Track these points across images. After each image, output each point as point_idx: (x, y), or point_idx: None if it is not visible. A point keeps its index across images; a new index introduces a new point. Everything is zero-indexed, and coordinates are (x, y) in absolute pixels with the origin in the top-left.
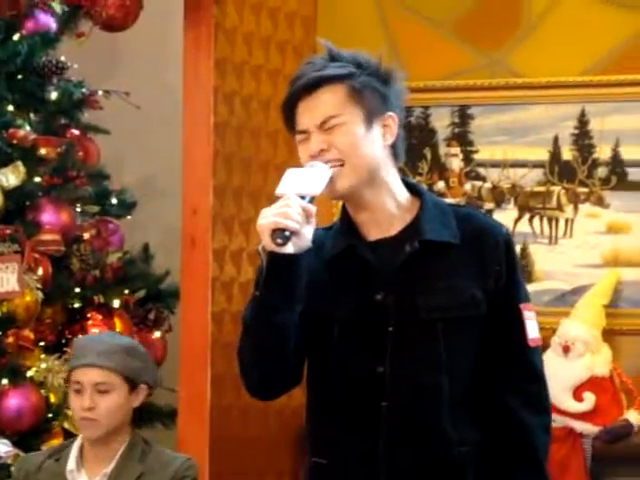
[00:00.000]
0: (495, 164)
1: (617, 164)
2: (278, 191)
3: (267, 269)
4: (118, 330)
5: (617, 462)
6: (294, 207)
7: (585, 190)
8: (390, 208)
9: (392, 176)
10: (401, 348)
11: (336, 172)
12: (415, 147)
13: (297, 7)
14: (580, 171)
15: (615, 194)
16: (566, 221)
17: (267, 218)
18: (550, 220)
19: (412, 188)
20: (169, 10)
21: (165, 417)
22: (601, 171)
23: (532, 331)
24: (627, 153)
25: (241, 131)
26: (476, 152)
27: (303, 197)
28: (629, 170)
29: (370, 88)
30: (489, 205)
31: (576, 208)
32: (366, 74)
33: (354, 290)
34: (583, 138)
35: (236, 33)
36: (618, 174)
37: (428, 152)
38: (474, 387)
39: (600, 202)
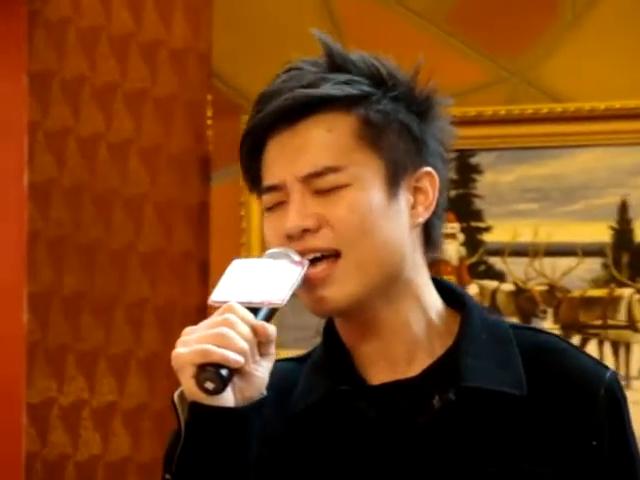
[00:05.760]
0: (520, 251)
1: None
2: (214, 297)
3: (188, 433)
4: None
5: None
6: (239, 327)
7: None
8: (416, 331)
9: (422, 277)
10: None
11: (325, 270)
12: None
13: None
14: None
15: None
16: None
17: (190, 345)
18: (616, 346)
19: (448, 294)
20: None
21: None
22: None
23: None
24: None
25: (80, 195)
26: (487, 231)
27: (256, 310)
28: None
29: (397, 123)
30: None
31: None
32: (391, 97)
33: (340, 468)
34: None
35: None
36: None
37: None
38: None
39: None
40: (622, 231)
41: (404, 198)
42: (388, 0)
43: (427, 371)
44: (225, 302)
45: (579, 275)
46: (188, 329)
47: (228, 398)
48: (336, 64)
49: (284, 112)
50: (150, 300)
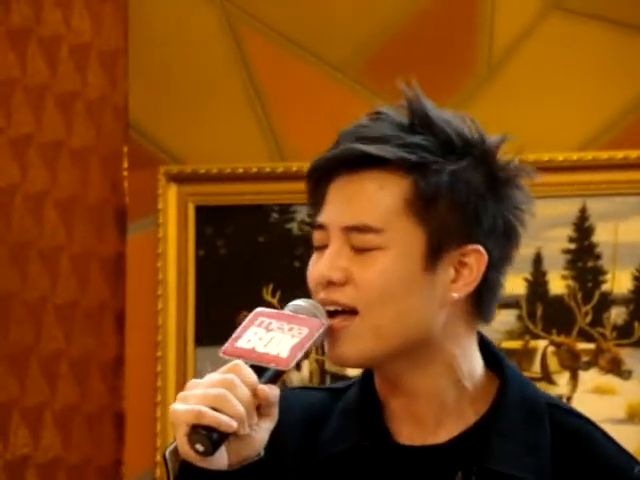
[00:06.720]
0: None
1: None
2: (225, 350)
3: None
4: None
5: None
6: (238, 390)
7: (590, 346)
8: (446, 398)
9: (461, 347)
10: None
11: (341, 322)
12: None
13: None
14: (581, 314)
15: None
16: None
17: (188, 402)
18: None
19: (490, 356)
20: None
21: None
22: (616, 314)
23: None
24: None
25: None
26: None
27: (262, 370)
28: None
29: (450, 198)
30: None
31: (575, 377)
32: (453, 170)
33: None
34: (585, 256)
35: None
36: None
37: None
38: None
39: (615, 368)
40: (536, 283)
41: (444, 271)
42: (303, 52)
43: (454, 442)
44: (234, 356)
45: (494, 327)
46: (192, 382)
47: (221, 458)
48: (412, 122)
49: (341, 161)
50: (65, 352)
